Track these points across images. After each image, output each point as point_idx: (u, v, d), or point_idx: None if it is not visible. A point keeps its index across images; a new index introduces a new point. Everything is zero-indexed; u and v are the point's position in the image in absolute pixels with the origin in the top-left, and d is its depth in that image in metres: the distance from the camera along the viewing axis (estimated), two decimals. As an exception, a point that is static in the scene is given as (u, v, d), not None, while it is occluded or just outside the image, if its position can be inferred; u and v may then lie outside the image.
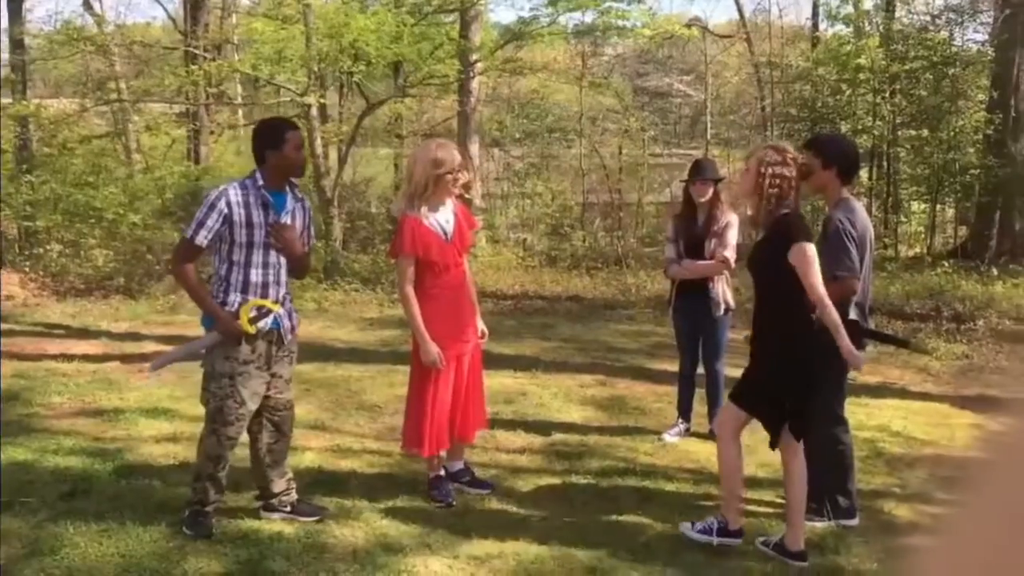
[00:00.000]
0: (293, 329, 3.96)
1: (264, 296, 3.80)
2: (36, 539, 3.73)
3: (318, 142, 11.79)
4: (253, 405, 3.82)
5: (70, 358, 7.13)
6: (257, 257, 3.78)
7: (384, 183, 15.68)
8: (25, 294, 10.18)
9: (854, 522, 4.14)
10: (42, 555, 3.57)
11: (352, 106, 14.54)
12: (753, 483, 4.42)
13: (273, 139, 3.81)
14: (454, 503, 4.28)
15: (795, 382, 3.70)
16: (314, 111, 11.71)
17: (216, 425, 3.79)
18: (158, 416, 5.57)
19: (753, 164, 3.73)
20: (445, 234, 4.18)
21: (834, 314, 3.57)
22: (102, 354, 7.37)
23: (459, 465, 4.53)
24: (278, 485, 4.04)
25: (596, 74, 17.49)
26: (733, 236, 5.09)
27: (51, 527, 3.85)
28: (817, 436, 3.94)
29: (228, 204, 3.70)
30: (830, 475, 4.10)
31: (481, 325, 4.44)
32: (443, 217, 4.19)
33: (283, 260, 3.87)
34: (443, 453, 4.42)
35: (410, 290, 4.14)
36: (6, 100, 13.88)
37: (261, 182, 3.79)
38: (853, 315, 3.98)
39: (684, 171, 5.55)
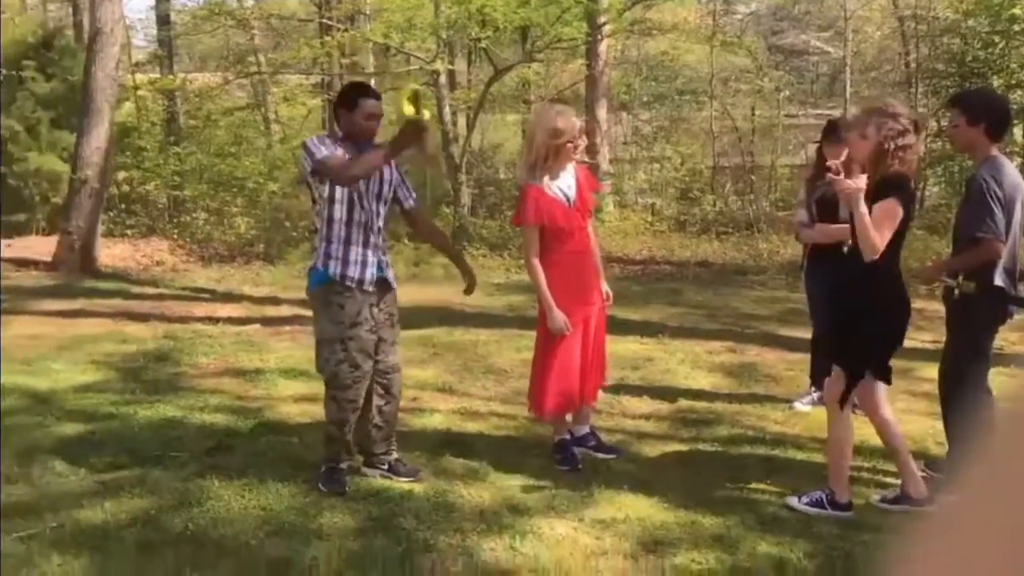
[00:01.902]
0: (394, 280, 4.02)
1: (364, 246, 3.85)
2: (184, 491, 3.95)
3: (447, 109, 11.92)
4: (367, 367, 3.91)
5: (215, 321, 7.49)
6: (356, 210, 3.82)
7: (512, 149, 15.73)
8: (174, 260, 10.75)
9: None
10: (190, 506, 3.78)
11: (480, 72, 14.62)
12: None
13: (349, 101, 3.86)
14: (580, 467, 4.30)
15: (873, 332, 3.61)
16: (443, 78, 11.84)
17: (334, 391, 3.92)
18: (296, 377, 5.79)
19: (873, 135, 3.54)
20: (568, 200, 4.17)
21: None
22: (244, 317, 7.71)
23: (585, 429, 4.52)
24: (379, 446, 4.15)
25: (728, 33, 16.97)
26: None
27: (198, 480, 4.07)
28: (959, 403, 3.78)
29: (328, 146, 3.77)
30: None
31: (606, 288, 4.43)
32: (564, 183, 4.18)
33: (381, 210, 3.91)
34: (569, 417, 4.45)
35: (536, 260, 4.16)
36: (155, 75, 14.59)
37: (340, 135, 3.87)
38: (999, 281, 3.77)
39: (819, 132, 5.35)
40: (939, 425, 4.28)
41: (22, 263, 10.05)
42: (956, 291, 3.88)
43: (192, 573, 3.25)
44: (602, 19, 12.15)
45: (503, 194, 13.81)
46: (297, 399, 5.35)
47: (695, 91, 16.81)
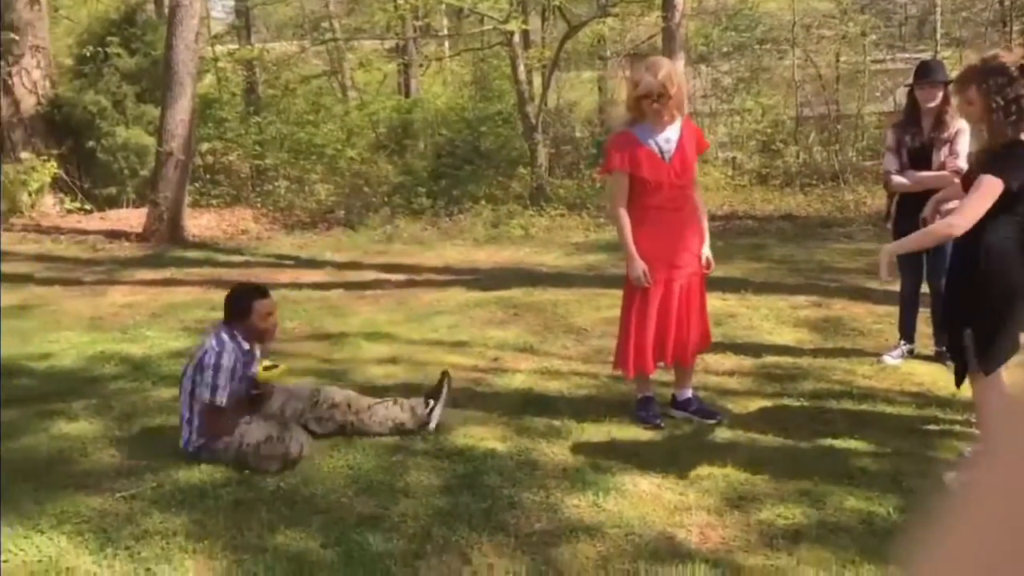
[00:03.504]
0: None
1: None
2: (275, 451, 4.06)
3: (521, 69, 11.84)
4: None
5: (299, 286, 7.64)
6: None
7: (588, 107, 15.58)
8: (258, 228, 10.98)
9: None
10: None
11: (554, 30, 14.46)
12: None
13: (241, 311, 4.02)
14: (661, 424, 4.28)
15: (976, 308, 3.40)
16: (517, 37, 11.75)
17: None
18: (378, 340, 5.88)
19: (977, 97, 3.34)
20: (662, 154, 4.08)
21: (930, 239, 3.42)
22: (327, 282, 7.85)
23: (687, 393, 4.44)
24: None
25: (809, -23, 16.40)
26: (965, 144, 4.68)
27: (288, 440, 4.17)
28: None
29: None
30: None
31: (707, 253, 4.27)
32: (664, 136, 4.08)
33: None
34: (653, 375, 4.41)
35: (621, 209, 4.12)
36: (233, 46, 14.82)
37: (246, 347, 4.05)
38: None
39: (909, 77, 5.15)
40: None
41: (114, 235, 10.40)
42: None
43: (285, 529, 3.35)
44: (677, -31, 11.85)
45: (580, 153, 13.71)
46: (381, 361, 5.44)
47: (776, 39, 16.32)
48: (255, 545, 3.25)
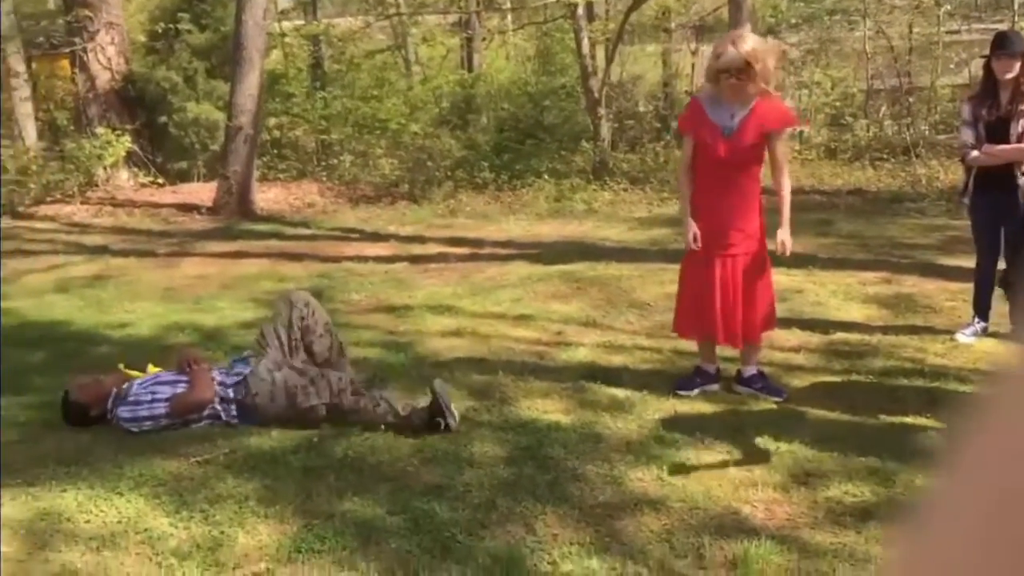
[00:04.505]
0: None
1: None
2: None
3: (585, 42, 11.75)
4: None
5: (364, 259, 7.74)
6: None
7: (652, 80, 15.39)
8: (324, 202, 11.12)
9: None
10: (350, 435, 3.96)
11: (618, 2, 14.31)
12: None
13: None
14: (692, 395, 4.31)
15: None
16: (580, 10, 11.65)
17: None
18: (442, 312, 5.94)
19: None
20: (724, 129, 4.05)
21: None
22: (391, 255, 7.94)
23: (751, 370, 4.40)
24: None
25: (883, -54, 15.94)
26: (1044, 116, 4.54)
27: (355, 410, 4.25)
28: None
29: None
30: None
31: (782, 236, 4.12)
32: (731, 112, 4.04)
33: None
34: (715, 349, 4.40)
35: (684, 171, 4.25)
36: (299, 22, 14.97)
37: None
38: None
39: (985, 48, 4.99)
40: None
41: (186, 208, 10.64)
42: None
43: (353, 496, 3.42)
44: (746, -61, 11.61)
45: (643, 127, 13.57)
46: (445, 334, 5.49)
47: (847, 10, 15.90)
48: (324, 511, 3.33)
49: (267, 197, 11.15)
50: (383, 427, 3.99)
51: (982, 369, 4.55)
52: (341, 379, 4.11)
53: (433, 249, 8.07)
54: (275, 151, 12.81)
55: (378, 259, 7.77)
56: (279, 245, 8.55)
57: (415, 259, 7.71)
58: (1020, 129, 4.59)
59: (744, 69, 3.89)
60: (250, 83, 10.29)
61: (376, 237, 8.87)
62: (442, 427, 3.94)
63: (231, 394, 4.11)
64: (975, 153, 4.75)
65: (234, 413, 4.10)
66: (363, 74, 13.99)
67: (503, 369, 4.73)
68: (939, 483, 0.37)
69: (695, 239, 4.12)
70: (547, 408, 4.24)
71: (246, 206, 10.40)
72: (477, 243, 8.30)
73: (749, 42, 3.97)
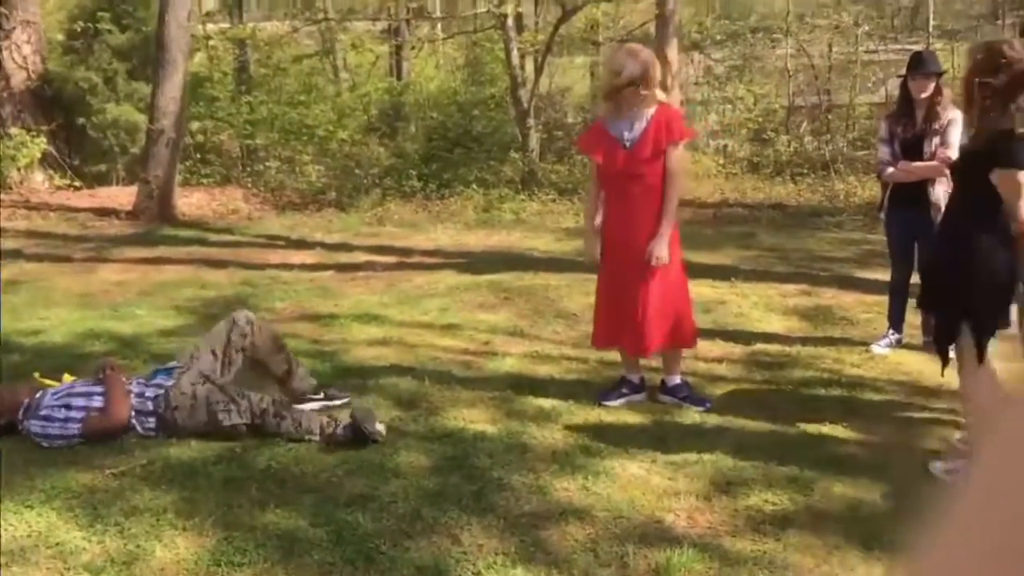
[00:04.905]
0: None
1: None
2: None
3: (514, 53, 11.81)
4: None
5: (289, 267, 7.63)
6: None
7: (580, 92, 15.53)
8: (248, 208, 10.94)
9: None
10: (274, 446, 3.88)
11: (548, 14, 14.42)
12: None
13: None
14: (617, 404, 4.36)
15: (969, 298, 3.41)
16: (510, 21, 11.71)
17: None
18: (369, 322, 5.88)
19: (964, 72, 3.41)
20: (624, 143, 4.12)
21: None
22: (317, 263, 7.84)
23: (675, 380, 4.46)
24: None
25: (804, -33, 16.39)
26: (956, 134, 4.70)
27: (278, 420, 4.17)
28: None
29: None
30: None
31: (656, 250, 4.10)
32: (629, 125, 4.12)
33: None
34: (638, 359, 4.45)
35: (592, 187, 4.36)
36: (225, 24, 14.72)
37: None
38: None
39: (901, 68, 5.17)
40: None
41: (104, 212, 10.35)
42: None
43: (275, 508, 3.36)
44: (673, -45, 11.82)
45: (572, 138, 13.66)
46: (371, 343, 5.44)
47: (769, 28, 16.32)
48: (245, 523, 3.26)
49: (190, 202, 10.92)
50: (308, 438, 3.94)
51: (896, 380, 4.69)
52: (263, 399, 4.02)
53: (360, 257, 8.00)
54: (198, 156, 12.56)
55: (303, 267, 7.67)
56: (201, 252, 8.37)
57: (341, 267, 7.63)
58: (934, 147, 4.75)
59: (644, 80, 4.05)
60: (173, 85, 10.08)
61: (302, 245, 8.76)
62: (368, 444, 3.89)
63: (149, 406, 4.00)
64: (891, 170, 4.91)
65: (151, 426, 3.99)
66: (290, 79, 13.82)
67: (430, 378, 4.71)
68: (950, 506, 0.38)
69: (592, 254, 4.34)
70: (473, 418, 4.23)
71: (167, 211, 10.16)
72: (405, 252, 8.25)
73: (643, 52, 4.15)
